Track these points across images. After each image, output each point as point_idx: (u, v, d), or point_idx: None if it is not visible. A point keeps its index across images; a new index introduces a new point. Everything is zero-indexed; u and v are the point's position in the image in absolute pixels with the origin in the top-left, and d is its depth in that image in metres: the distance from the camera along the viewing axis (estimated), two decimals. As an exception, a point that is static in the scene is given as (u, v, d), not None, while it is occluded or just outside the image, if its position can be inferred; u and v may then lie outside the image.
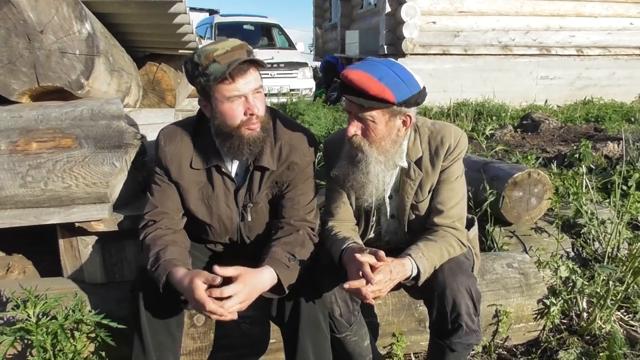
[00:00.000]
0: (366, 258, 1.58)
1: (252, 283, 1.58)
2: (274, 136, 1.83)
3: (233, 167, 1.84)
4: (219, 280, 1.52)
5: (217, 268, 1.54)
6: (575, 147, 4.46)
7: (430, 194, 1.86)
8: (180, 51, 2.96)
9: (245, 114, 1.69)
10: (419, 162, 1.83)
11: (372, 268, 1.57)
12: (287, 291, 1.69)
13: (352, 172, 1.78)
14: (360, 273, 1.57)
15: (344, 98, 1.71)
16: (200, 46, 1.83)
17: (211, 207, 1.85)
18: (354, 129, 1.72)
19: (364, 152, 1.74)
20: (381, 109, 1.68)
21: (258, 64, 1.69)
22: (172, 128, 1.87)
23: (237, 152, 1.74)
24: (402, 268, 1.65)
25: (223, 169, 1.81)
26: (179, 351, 1.82)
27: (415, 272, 1.68)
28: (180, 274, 1.59)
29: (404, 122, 1.74)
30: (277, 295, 1.70)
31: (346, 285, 1.57)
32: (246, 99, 1.68)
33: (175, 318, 1.76)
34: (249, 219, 1.86)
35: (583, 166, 3.12)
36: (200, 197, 1.84)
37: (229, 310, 1.52)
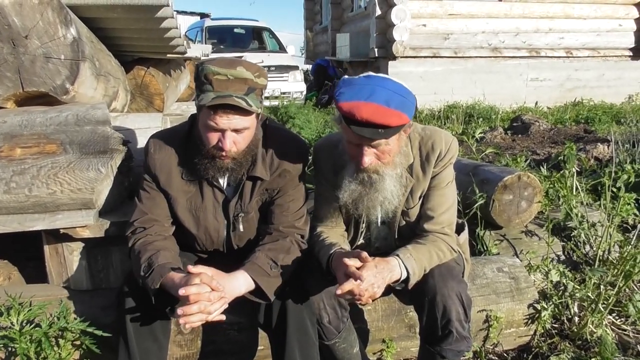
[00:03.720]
0: (351, 262, 1.59)
1: (225, 286, 1.58)
2: (265, 144, 1.82)
3: (224, 178, 1.82)
4: (214, 283, 1.53)
5: (190, 267, 1.55)
6: (562, 150, 4.47)
7: (421, 199, 1.85)
8: (168, 55, 2.94)
9: (216, 146, 1.66)
10: (410, 168, 1.82)
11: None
12: (272, 298, 1.68)
13: (366, 193, 1.76)
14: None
15: (353, 131, 1.61)
16: (210, 56, 1.80)
17: (198, 218, 1.83)
18: (369, 158, 1.68)
19: (379, 174, 1.73)
20: (397, 132, 1.67)
21: (244, 111, 1.60)
22: (162, 135, 1.85)
23: (204, 170, 1.73)
24: (386, 265, 1.64)
25: (214, 181, 1.79)
26: (166, 358, 1.80)
27: (405, 274, 1.66)
28: (177, 277, 1.58)
29: (406, 131, 1.74)
30: (263, 300, 1.70)
31: (338, 291, 1.56)
32: (222, 134, 1.64)
33: (161, 325, 1.74)
34: (241, 229, 1.84)
35: (572, 168, 3.12)
36: (188, 207, 1.82)
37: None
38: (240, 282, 1.65)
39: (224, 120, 1.60)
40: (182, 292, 1.48)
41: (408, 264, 1.67)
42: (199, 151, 1.71)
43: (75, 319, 1.84)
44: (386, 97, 1.59)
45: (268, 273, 1.69)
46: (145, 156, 1.83)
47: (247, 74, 1.59)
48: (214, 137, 1.65)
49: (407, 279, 1.68)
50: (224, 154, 1.67)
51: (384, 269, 1.62)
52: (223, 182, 1.82)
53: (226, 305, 1.57)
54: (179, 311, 1.50)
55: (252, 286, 1.67)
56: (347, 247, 1.87)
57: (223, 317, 1.57)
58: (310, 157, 2.00)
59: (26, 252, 2.41)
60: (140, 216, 1.81)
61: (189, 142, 1.79)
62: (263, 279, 1.67)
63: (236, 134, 1.66)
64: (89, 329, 1.77)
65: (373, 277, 1.57)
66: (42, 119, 1.88)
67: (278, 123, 1.98)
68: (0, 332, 1.73)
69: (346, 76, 1.73)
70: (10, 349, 1.79)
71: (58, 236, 2.02)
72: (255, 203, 1.84)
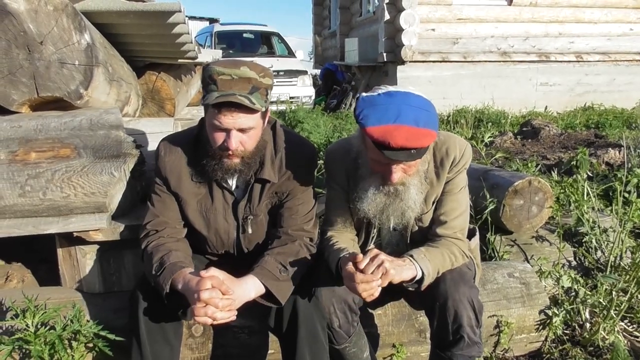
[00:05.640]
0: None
1: (235, 291, 1.60)
2: (274, 147, 1.83)
3: (233, 180, 1.84)
4: (224, 287, 1.55)
5: (202, 272, 1.56)
6: (574, 155, 4.45)
7: (434, 205, 1.85)
8: (179, 60, 2.96)
9: (222, 146, 1.68)
10: (424, 174, 1.82)
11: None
12: (282, 302, 1.69)
13: (391, 203, 1.76)
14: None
15: (386, 155, 1.58)
16: (219, 58, 1.83)
17: (209, 219, 1.85)
18: (399, 174, 1.68)
19: (405, 185, 1.73)
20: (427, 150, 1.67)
21: (248, 109, 1.61)
22: (172, 138, 1.87)
23: (212, 171, 1.74)
24: (400, 261, 1.64)
25: (223, 182, 1.81)
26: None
27: (420, 274, 1.66)
28: (188, 277, 1.60)
29: None
30: (274, 304, 1.71)
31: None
32: (228, 133, 1.66)
33: (173, 327, 1.76)
34: (250, 231, 1.86)
35: (583, 174, 3.10)
36: (199, 209, 1.84)
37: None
38: (249, 287, 1.67)
39: (229, 120, 1.62)
40: (195, 297, 1.51)
41: (422, 264, 1.67)
42: (208, 152, 1.73)
43: (88, 321, 1.86)
44: (414, 116, 1.57)
45: (277, 277, 1.70)
46: (155, 159, 1.86)
47: (250, 73, 1.62)
48: (219, 137, 1.67)
49: (421, 280, 1.68)
50: (230, 153, 1.68)
51: (379, 255, 1.61)
52: (232, 183, 1.84)
53: (234, 315, 1.59)
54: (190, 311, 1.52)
55: (262, 291, 1.68)
56: (357, 251, 1.86)
57: (233, 318, 1.58)
58: (321, 162, 2.01)
59: (39, 254, 2.43)
60: (152, 219, 1.83)
61: (198, 144, 1.81)
62: (273, 284, 1.68)
63: (242, 134, 1.67)
64: (102, 332, 1.79)
65: (369, 263, 1.57)
66: (57, 124, 1.91)
67: (287, 127, 1.99)
68: (16, 334, 1.75)
69: (364, 94, 1.69)
70: (24, 350, 1.81)
71: (71, 239, 2.04)
72: (265, 206, 1.86)
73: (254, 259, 1.81)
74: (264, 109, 1.67)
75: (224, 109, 1.60)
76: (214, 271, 1.58)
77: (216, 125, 1.64)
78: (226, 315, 1.54)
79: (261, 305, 1.72)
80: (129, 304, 1.77)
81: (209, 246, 1.92)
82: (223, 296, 1.54)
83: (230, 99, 1.57)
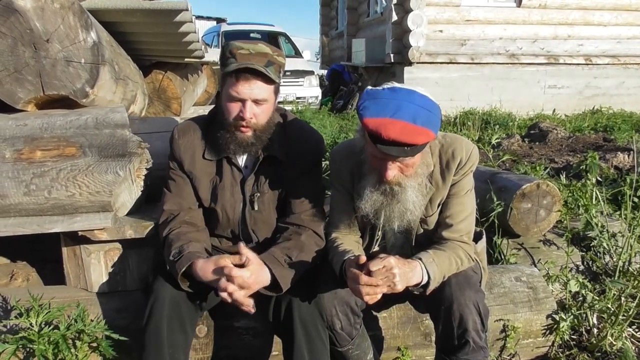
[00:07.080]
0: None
1: (257, 273, 1.66)
2: (285, 128, 1.91)
3: (243, 159, 1.91)
4: (244, 259, 1.65)
5: (241, 245, 1.67)
6: (583, 158, 4.41)
7: (440, 207, 1.83)
8: (186, 60, 2.96)
9: (237, 116, 1.77)
10: (429, 176, 1.80)
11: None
12: (284, 288, 1.71)
13: (388, 203, 1.74)
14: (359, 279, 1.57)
15: (379, 149, 1.58)
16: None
17: (217, 195, 1.90)
18: (393, 172, 1.66)
19: (401, 185, 1.71)
20: (423, 149, 1.66)
21: (267, 79, 1.73)
22: (186, 123, 1.96)
23: (224, 145, 1.82)
24: (408, 264, 1.63)
25: (233, 160, 1.88)
26: (190, 349, 1.82)
27: (426, 279, 1.65)
28: (203, 261, 1.69)
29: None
30: (274, 292, 1.73)
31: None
32: (243, 104, 1.76)
33: (190, 316, 1.79)
34: (256, 208, 1.90)
35: (592, 178, 3.07)
36: (210, 187, 1.91)
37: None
38: (265, 272, 1.70)
39: (246, 88, 1.72)
40: (225, 272, 1.62)
41: (430, 268, 1.66)
42: (222, 126, 1.82)
43: (92, 321, 1.85)
44: (413, 113, 1.55)
45: (282, 264, 1.73)
46: (170, 144, 1.92)
47: (266, 49, 1.76)
48: (235, 108, 1.77)
49: (426, 285, 1.66)
50: (244, 123, 1.77)
51: (403, 265, 1.60)
52: (241, 162, 1.91)
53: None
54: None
55: (269, 279, 1.71)
56: (362, 254, 1.85)
57: (251, 309, 1.66)
58: (327, 162, 2.03)
59: (44, 253, 2.43)
60: (170, 202, 1.90)
61: (211, 126, 1.89)
62: (277, 268, 1.71)
63: (256, 106, 1.77)
64: (106, 332, 1.79)
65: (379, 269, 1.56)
66: (62, 122, 1.91)
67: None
68: (19, 333, 1.75)
69: (369, 87, 1.69)
70: (28, 349, 1.81)
71: (76, 238, 2.04)
72: (271, 186, 1.90)
73: (260, 251, 1.82)
74: (277, 82, 1.80)
75: (242, 78, 1.71)
76: (245, 250, 1.66)
77: (233, 96, 1.75)
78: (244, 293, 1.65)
79: (262, 306, 1.75)
80: (147, 290, 1.81)
81: (216, 226, 1.95)
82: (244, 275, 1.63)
83: (249, 66, 1.69)
